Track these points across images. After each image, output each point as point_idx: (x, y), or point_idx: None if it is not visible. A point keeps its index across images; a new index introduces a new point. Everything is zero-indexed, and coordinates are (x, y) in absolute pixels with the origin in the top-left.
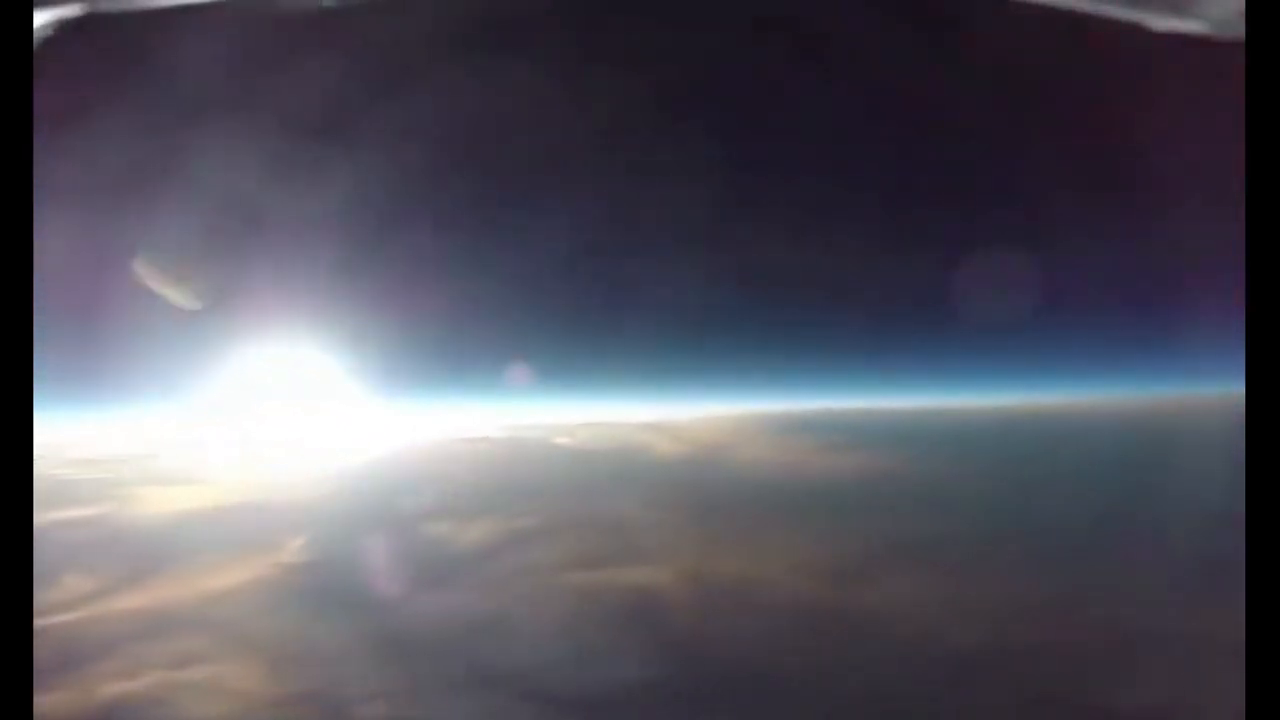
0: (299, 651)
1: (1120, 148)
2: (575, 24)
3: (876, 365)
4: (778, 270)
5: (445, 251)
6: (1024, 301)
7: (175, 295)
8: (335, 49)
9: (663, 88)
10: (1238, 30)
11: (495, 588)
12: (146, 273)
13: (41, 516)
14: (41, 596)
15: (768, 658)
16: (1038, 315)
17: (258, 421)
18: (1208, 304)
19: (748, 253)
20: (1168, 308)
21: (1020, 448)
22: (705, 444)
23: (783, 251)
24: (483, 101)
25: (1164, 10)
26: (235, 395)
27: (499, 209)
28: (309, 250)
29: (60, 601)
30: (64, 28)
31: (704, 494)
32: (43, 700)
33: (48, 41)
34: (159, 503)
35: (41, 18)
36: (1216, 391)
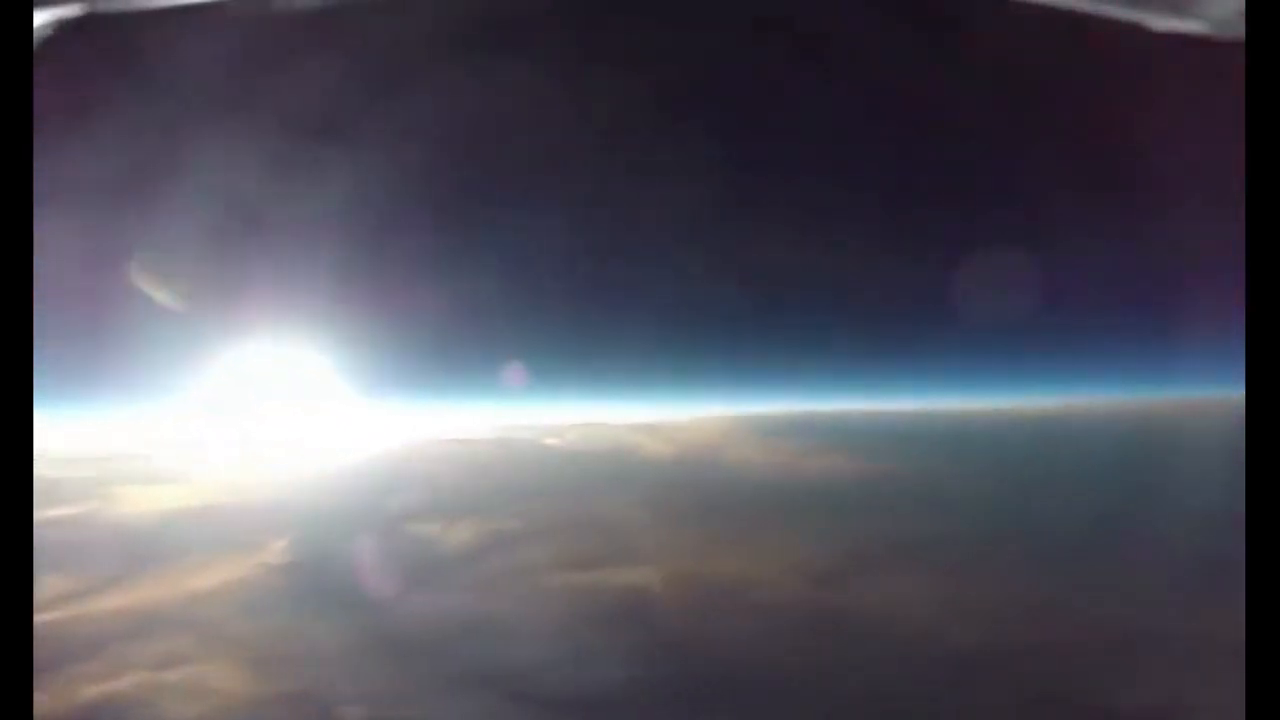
0: (283, 652)
1: (1120, 148)
2: (575, 24)
3: (872, 367)
4: (772, 272)
5: (437, 252)
6: (1023, 303)
7: (165, 296)
8: (335, 49)
9: (662, 87)
10: (1238, 30)
11: (484, 588)
12: (139, 273)
13: None
14: None
15: (756, 658)
16: (1037, 317)
17: (247, 421)
18: (1207, 305)
19: (742, 254)
20: (1167, 309)
21: (1019, 449)
22: (696, 445)
23: (777, 253)
24: (477, 101)
25: (1164, 10)
26: (224, 395)
27: (490, 211)
28: (301, 251)
29: (42, 601)
30: (64, 28)
31: (694, 495)
32: None
33: (48, 41)
34: (145, 502)
35: (41, 18)
36: (1216, 393)
